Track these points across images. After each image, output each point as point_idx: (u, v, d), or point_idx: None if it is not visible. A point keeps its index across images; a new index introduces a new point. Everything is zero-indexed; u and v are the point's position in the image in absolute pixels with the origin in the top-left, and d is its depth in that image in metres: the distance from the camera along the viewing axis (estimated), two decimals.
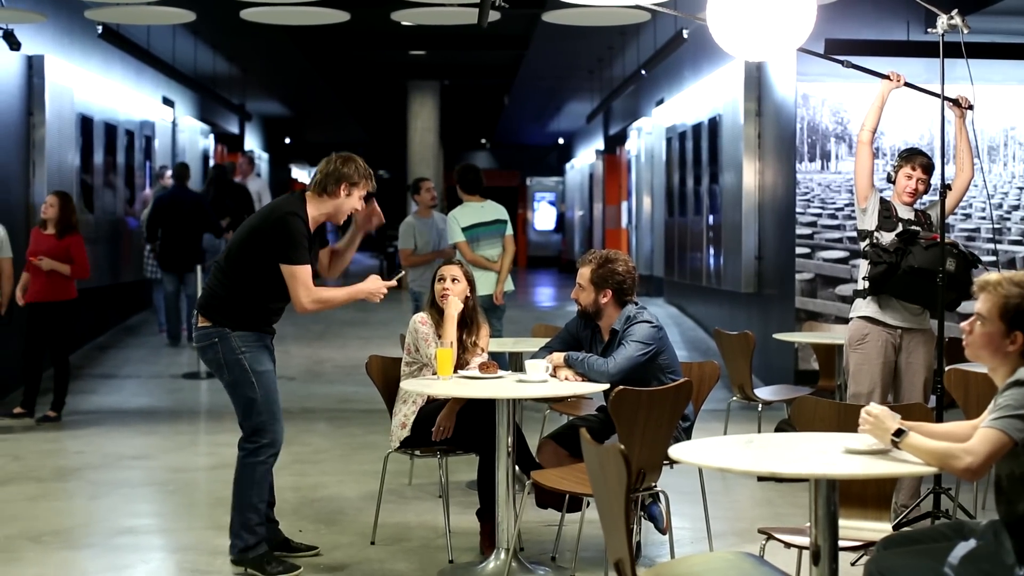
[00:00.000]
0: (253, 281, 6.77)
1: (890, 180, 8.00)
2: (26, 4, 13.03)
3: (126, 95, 18.75)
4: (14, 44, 13.02)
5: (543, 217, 43.04)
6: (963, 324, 4.60)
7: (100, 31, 15.13)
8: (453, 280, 7.41)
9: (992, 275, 4.56)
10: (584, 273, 7.05)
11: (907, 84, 7.77)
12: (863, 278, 7.88)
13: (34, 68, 14.28)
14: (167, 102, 21.69)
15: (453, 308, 7.33)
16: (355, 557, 7.22)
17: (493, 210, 11.36)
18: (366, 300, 6.98)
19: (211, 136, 25.99)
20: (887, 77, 7.77)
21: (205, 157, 24.82)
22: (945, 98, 7.48)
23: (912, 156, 7.97)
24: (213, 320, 6.78)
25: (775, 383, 11.61)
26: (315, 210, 6.83)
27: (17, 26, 13.05)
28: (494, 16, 11.94)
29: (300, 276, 6.64)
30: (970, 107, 7.82)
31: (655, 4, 9.11)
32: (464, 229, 11.15)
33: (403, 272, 7.09)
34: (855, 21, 12.07)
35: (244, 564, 6.79)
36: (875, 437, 4.59)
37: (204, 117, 25.21)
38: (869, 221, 7.87)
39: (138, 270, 17.92)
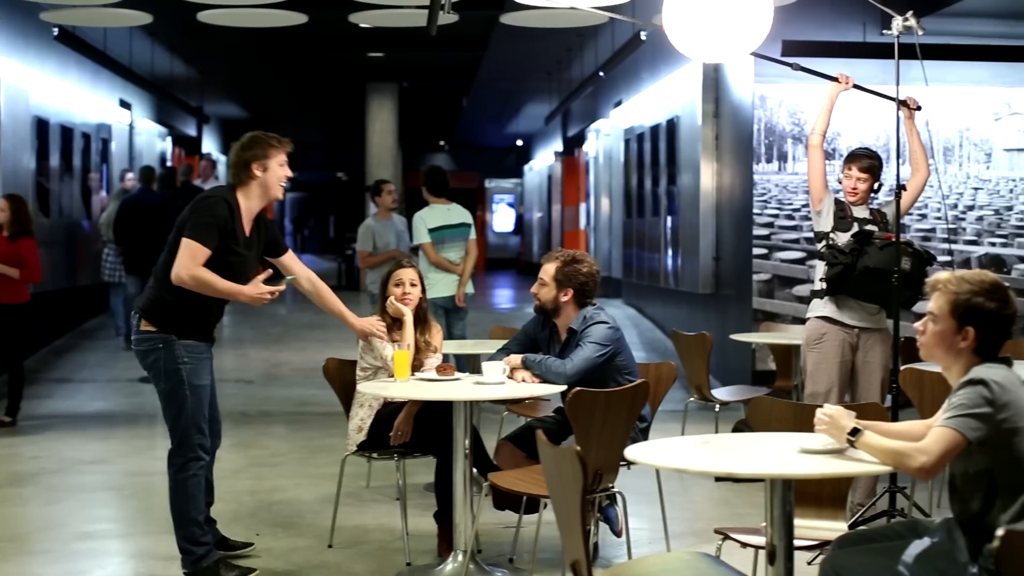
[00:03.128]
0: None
1: (840, 182, 8.07)
2: None
3: (82, 98, 18.66)
4: None
5: (502, 219, 43.04)
6: (916, 324, 4.62)
7: (56, 33, 15.07)
8: (412, 284, 7.40)
9: (942, 274, 4.58)
10: (548, 269, 7.05)
11: (856, 86, 7.80)
12: (820, 279, 7.92)
13: None
14: (124, 105, 21.59)
15: (408, 315, 7.32)
16: (312, 560, 7.20)
17: (459, 213, 11.37)
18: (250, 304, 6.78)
19: (168, 139, 25.90)
20: (836, 79, 7.80)
21: (162, 160, 24.73)
22: (893, 99, 7.52)
23: (851, 157, 8.03)
24: (159, 326, 6.64)
25: (732, 384, 11.64)
26: (246, 200, 6.71)
27: None
28: (448, 20, 11.95)
29: (192, 250, 6.46)
30: (918, 108, 7.86)
31: (611, 7, 9.13)
32: (430, 231, 11.15)
33: (291, 277, 6.94)
34: (811, 22, 12.13)
35: (199, 575, 6.68)
36: (831, 437, 4.61)
37: (161, 120, 25.11)
38: (824, 223, 7.91)
39: (95, 273, 17.82)
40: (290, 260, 7.07)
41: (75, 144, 18.07)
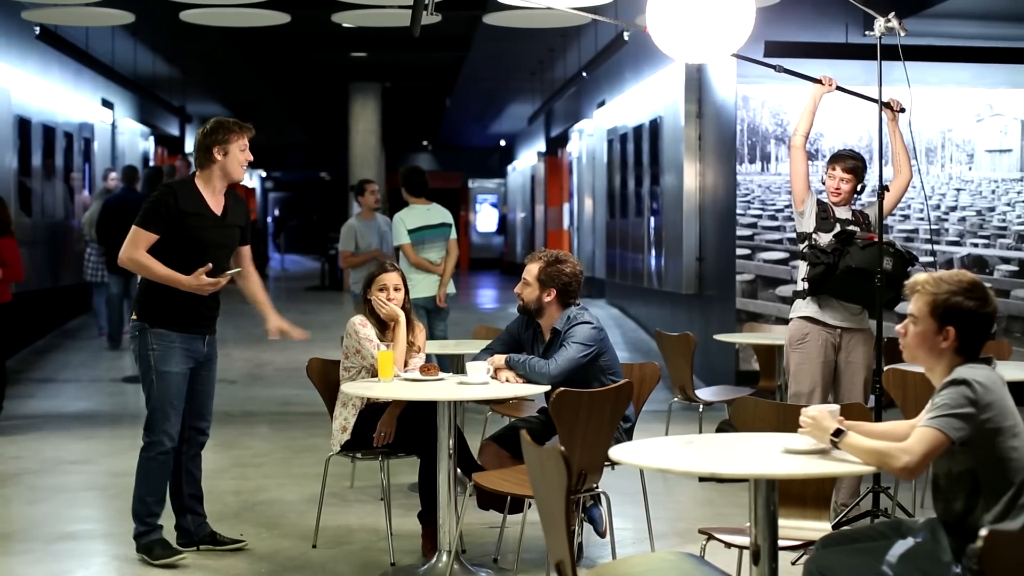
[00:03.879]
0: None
1: (823, 182, 8.09)
2: None
3: (64, 97, 18.63)
4: None
5: (485, 219, 43.03)
6: (898, 327, 4.64)
7: (37, 32, 15.03)
8: (396, 289, 7.40)
9: (920, 275, 4.60)
10: (531, 269, 7.06)
11: (839, 88, 7.82)
12: (802, 279, 7.94)
13: None
14: (106, 104, 21.55)
15: (402, 317, 7.33)
16: (296, 560, 7.20)
17: (439, 213, 11.35)
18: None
19: (151, 138, 25.85)
20: (819, 81, 7.82)
21: (145, 159, 24.68)
22: (877, 101, 7.54)
23: (835, 158, 8.06)
24: (139, 314, 7.09)
25: (716, 384, 11.66)
26: (206, 183, 7.07)
27: None
28: (431, 20, 11.95)
29: (134, 235, 6.94)
30: (902, 110, 7.89)
31: (594, 8, 9.14)
32: (410, 232, 11.13)
33: (237, 269, 7.15)
34: (794, 23, 12.16)
35: (137, 548, 7.15)
36: (814, 438, 4.62)
37: (144, 119, 25.06)
38: (807, 223, 7.93)
39: (78, 273, 17.79)
40: (245, 252, 7.41)
41: (57, 143, 18.03)
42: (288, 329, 7.44)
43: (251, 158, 7.18)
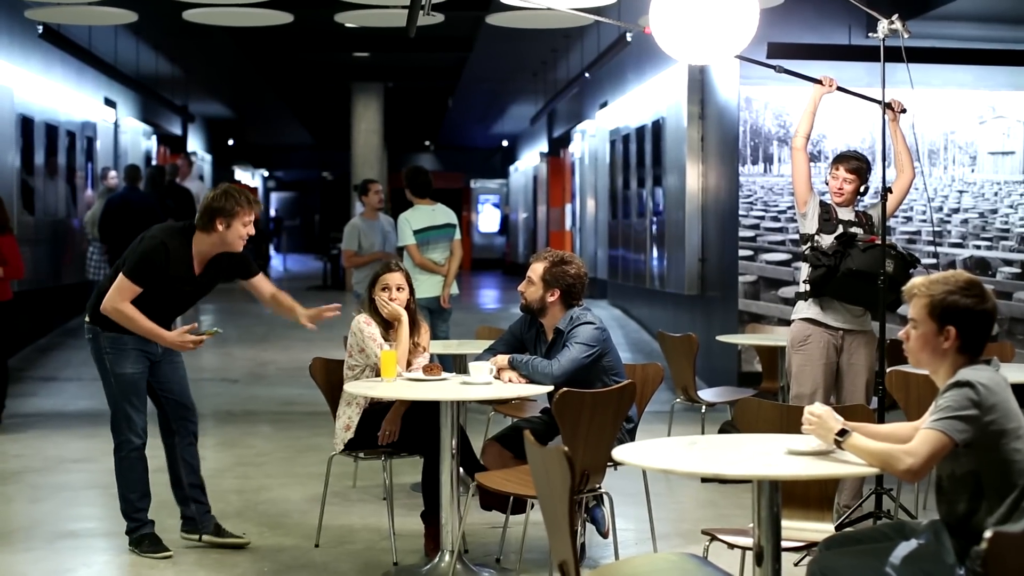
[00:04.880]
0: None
1: (827, 183, 8.10)
2: None
3: (67, 96, 18.63)
4: None
5: (487, 219, 43.00)
6: (900, 333, 4.65)
7: (40, 31, 15.04)
8: (398, 288, 7.41)
9: (917, 279, 4.61)
10: (536, 269, 7.06)
11: (840, 88, 7.82)
12: (804, 281, 7.94)
13: None
14: (109, 103, 21.55)
15: (405, 317, 7.34)
16: (299, 559, 7.20)
17: (444, 214, 11.33)
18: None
19: (154, 137, 25.85)
20: (819, 82, 7.82)
21: (148, 158, 24.66)
22: (878, 101, 7.54)
23: (838, 158, 8.06)
24: (91, 318, 7.24)
25: (718, 385, 11.64)
26: (199, 245, 7.18)
27: None
28: (433, 20, 11.95)
29: (121, 286, 7.05)
30: (903, 110, 7.89)
31: (597, 9, 9.14)
32: (416, 232, 11.11)
33: (217, 330, 7.34)
34: (797, 25, 12.17)
35: (129, 543, 7.36)
36: (818, 437, 4.62)
37: (146, 118, 25.06)
38: (809, 224, 7.93)
39: (80, 272, 17.79)
40: (259, 282, 7.52)
41: (60, 142, 18.03)
42: (321, 312, 7.34)
43: (252, 232, 7.23)
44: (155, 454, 7.45)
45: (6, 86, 15.14)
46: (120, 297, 7.04)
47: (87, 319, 7.28)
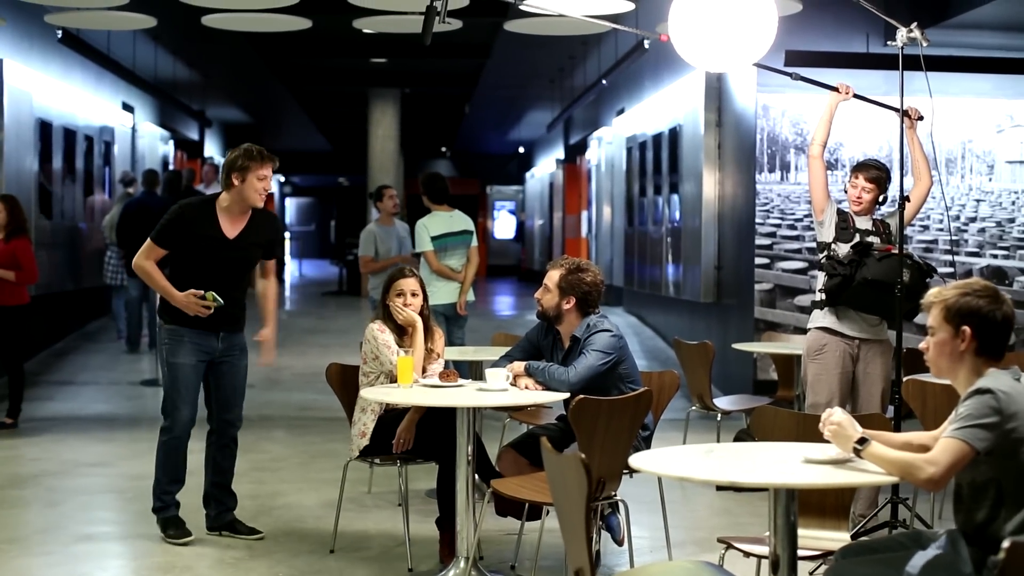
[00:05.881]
0: (171, 271, 7.59)
1: (846, 191, 8.08)
2: None
3: (85, 100, 18.69)
4: None
5: (503, 226, 43.05)
6: (921, 344, 4.65)
7: (60, 36, 15.09)
8: (413, 294, 7.42)
9: (933, 289, 4.62)
10: (552, 276, 7.07)
11: (856, 96, 7.81)
12: (819, 289, 7.93)
13: None
14: (127, 108, 21.61)
15: (420, 323, 7.35)
16: (314, 565, 7.21)
17: (461, 220, 11.32)
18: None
19: (171, 142, 25.93)
20: (835, 89, 7.82)
21: (165, 163, 24.75)
22: (895, 109, 7.53)
23: (858, 167, 8.05)
24: (158, 311, 7.73)
25: (734, 393, 11.65)
26: (223, 204, 7.55)
27: None
28: (451, 27, 11.97)
29: (147, 246, 7.54)
30: (920, 118, 7.88)
31: (615, 16, 9.14)
32: (433, 238, 11.10)
33: (220, 303, 7.48)
34: (815, 33, 12.16)
35: (157, 521, 7.72)
36: (837, 445, 4.61)
37: (164, 123, 25.12)
38: (827, 233, 7.92)
39: (97, 276, 17.84)
40: (268, 266, 7.98)
41: (78, 147, 18.08)
42: (269, 345, 7.96)
43: (270, 188, 7.58)
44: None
45: (25, 90, 15.19)
46: (144, 256, 7.53)
47: (159, 315, 7.74)
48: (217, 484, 7.81)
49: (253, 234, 7.61)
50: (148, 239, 7.53)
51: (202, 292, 7.43)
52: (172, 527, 7.64)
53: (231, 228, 7.53)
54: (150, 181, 16.40)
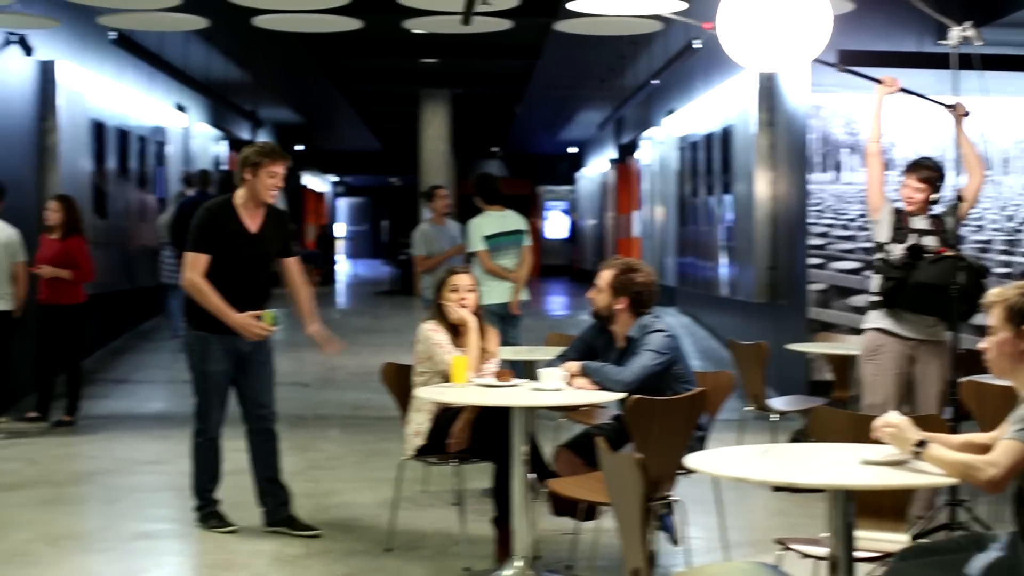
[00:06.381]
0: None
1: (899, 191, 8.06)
2: (40, 10, 13.07)
3: (139, 101, 18.81)
4: (27, 50, 13.10)
5: (555, 226, 43.08)
6: (981, 344, 4.64)
7: (113, 37, 15.19)
8: (469, 290, 7.45)
9: (994, 289, 4.61)
10: (604, 276, 7.08)
11: (902, 90, 7.78)
12: (874, 291, 7.89)
13: (47, 74, 14.31)
14: (180, 108, 21.74)
15: (473, 322, 7.37)
16: (371, 564, 7.24)
17: (514, 220, 11.34)
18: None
19: (223, 142, 26.06)
20: (880, 82, 7.78)
21: (217, 163, 24.87)
22: (941, 104, 7.50)
23: (910, 167, 8.02)
24: (185, 316, 7.87)
25: (787, 393, 11.59)
26: (240, 199, 7.71)
27: (30, 32, 13.12)
28: (498, 27, 11.98)
29: (188, 260, 7.62)
30: (966, 113, 7.84)
31: (670, 15, 9.13)
32: (486, 238, 11.12)
33: (280, 324, 7.62)
34: (868, 32, 12.09)
35: (198, 519, 7.93)
36: (896, 447, 4.60)
37: (216, 123, 25.25)
38: (882, 233, 7.89)
39: (152, 275, 17.95)
40: (290, 263, 8.02)
41: (131, 147, 18.20)
42: (323, 336, 8.08)
43: (280, 185, 7.73)
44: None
45: (79, 92, 15.31)
46: (191, 269, 7.59)
47: (184, 321, 7.89)
48: (267, 479, 7.96)
49: (271, 228, 7.80)
50: (187, 253, 7.63)
51: (259, 313, 7.62)
52: (214, 519, 7.88)
53: (251, 223, 7.72)
54: (203, 181, 16.50)
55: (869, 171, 8.00)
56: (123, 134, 17.70)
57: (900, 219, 7.91)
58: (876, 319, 7.90)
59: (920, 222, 7.90)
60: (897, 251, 7.80)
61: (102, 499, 9.10)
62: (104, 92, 16.65)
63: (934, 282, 7.53)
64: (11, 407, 12.08)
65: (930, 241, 7.84)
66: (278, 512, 7.91)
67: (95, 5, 11.94)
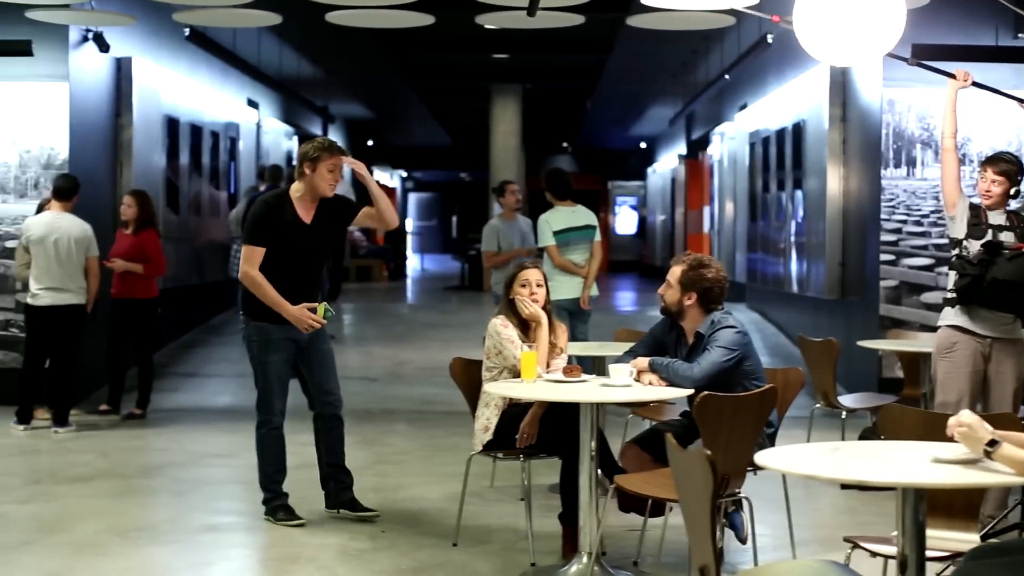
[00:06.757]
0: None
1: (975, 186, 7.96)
2: (116, 7, 13.18)
3: (212, 97, 18.93)
4: (103, 47, 13.21)
5: (624, 221, 43.00)
6: None
7: (187, 34, 15.28)
8: (538, 285, 7.43)
9: None
10: (675, 272, 7.04)
11: (975, 84, 7.69)
12: (950, 288, 7.80)
13: (122, 70, 14.42)
14: (252, 104, 21.85)
15: (545, 318, 7.36)
16: (437, 558, 7.24)
17: (584, 215, 11.30)
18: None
19: (294, 138, 26.18)
20: (953, 76, 7.70)
21: (288, 159, 24.99)
22: (1012, 97, 7.40)
23: (987, 160, 7.92)
24: (242, 309, 8.04)
25: (857, 391, 11.50)
26: (295, 193, 7.88)
27: (106, 29, 13.23)
28: (570, 22, 11.96)
29: (246, 253, 7.80)
30: None
31: (742, 8, 9.07)
32: (556, 233, 11.09)
33: (331, 313, 7.77)
34: (942, 26, 11.96)
35: (265, 512, 8.02)
36: (967, 446, 4.54)
37: (288, 119, 25.38)
38: (958, 229, 7.79)
39: (222, 269, 18.06)
40: (365, 210, 8.18)
41: (204, 142, 18.31)
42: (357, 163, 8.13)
43: (340, 180, 7.93)
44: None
45: (153, 87, 15.42)
46: (248, 263, 7.76)
47: (241, 314, 8.03)
48: (332, 464, 8.15)
49: (325, 218, 7.94)
50: (244, 247, 7.81)
51: (313, 306, 7.77)
52: (282, 511, 7.95)
53: (306, 215, 7.88)
54: (274, 176, 16.58)
55: (944, 167, 7.90)
56: (196, 130, 17.81)
57: (977, 215, 7.81)
58: (951, 316, 7.80)
59: (997, 217, 7.80)
60: (974, 247, 7.70)
61: (171, 491, 9.16)
62: (178, 88, 16.76)
63: (1011, 279, 7.43)
64: (83, 400, 12.19)
65: (1007, 237, 7.73)
66: (340, 495, 8.12)
67: (170, 2, 12.02)
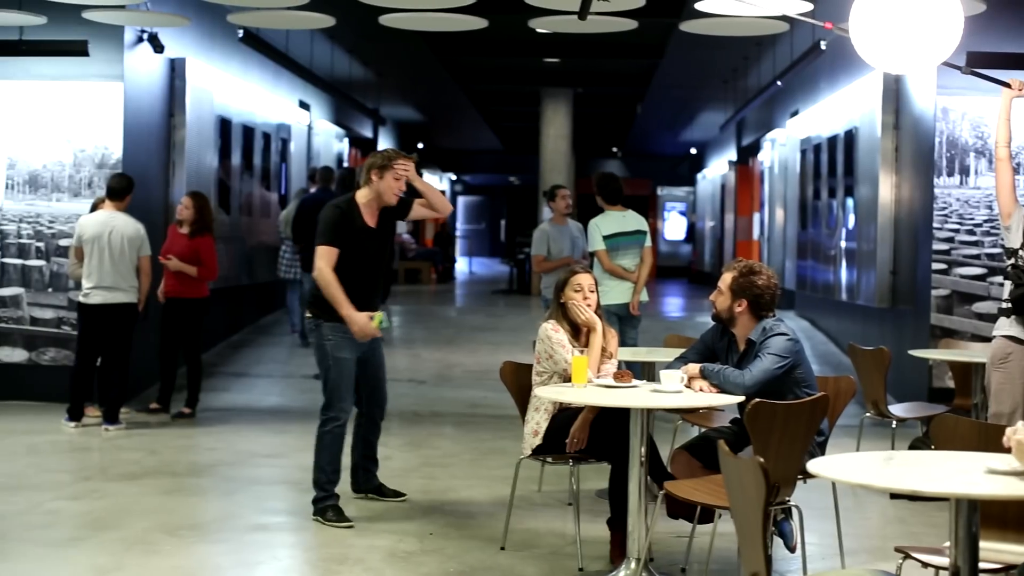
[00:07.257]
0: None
1: None
2: (170, 8, 13.27)
3: (264, 98, 19.01)
4: (158, 47, 13.29)
5: (673, 227, 42.93)
6: None
7: (241, 35, 15.36)
8: (591, 290, 7.43)
9: None
10: (725, 278, 7.02)
11: None
12: (1006, 298, 7.74)
13: (176, 71, 14.52)
14: (303, 106, 21.94)
15: (599, 324, 7.36)
16: (485, 562, 7.24)
17: (634, 220, 11.29)
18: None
19: (345, 140, 26.27)
20: (1008, 85, 7.64)
21: (339, 160, 25.08)
22: None
23: None
24: (313, 312, 8.21)
25: (907, 400, 11.43)
26: (362, 199, 8.19)
27: (161, 30, 13.31)
28: (622, 27, 11.95)
29: (319, 252, 8.03)
30: None
31: (795, 15, 9.04)
32: (605, 238, 11.08)
33: (386, 325, 8.00)
34: (997, 34, 11.89)
35: (314, 512, 8.10)
36: (1019, 460, 4.51)
37: (339, 121, 25.46)
38: (1014, 238, 7.72)
39: (272, 270, 18.13)
40: (417, 204, 8.47)
41: (256, 143, 18.40)
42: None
43: (404, 188, 8.22)
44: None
45: (207, 88, 15.50)
46: (322, 261, 8.00)
47: (311, 315, 8.24)
48: (366, 456, 8.62)
49: (387, 222, 8.30)
50: (321, 246, 8.03)
51: (371, 314, 8.03)
52: (331, 512, 8.05)
53: (372, 220, 8.18)
54: (325, 178, 16.63)
55: (999, 176, 7.84)
56: (248, 131, 17.90)
57: None
58: (1006, 326, 7.73)
59: None
60: None
61: (220, 491, 9.20)
62: (231, 89, 16.85)
63: None
64: (133, 398, 12.26)
65: None
66: (369, 481, 8.61)
67: (224, 3, 12.09)
